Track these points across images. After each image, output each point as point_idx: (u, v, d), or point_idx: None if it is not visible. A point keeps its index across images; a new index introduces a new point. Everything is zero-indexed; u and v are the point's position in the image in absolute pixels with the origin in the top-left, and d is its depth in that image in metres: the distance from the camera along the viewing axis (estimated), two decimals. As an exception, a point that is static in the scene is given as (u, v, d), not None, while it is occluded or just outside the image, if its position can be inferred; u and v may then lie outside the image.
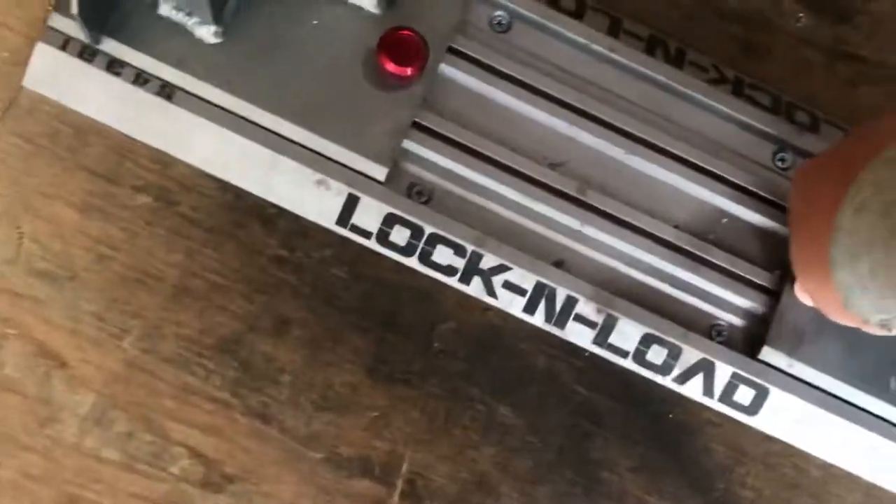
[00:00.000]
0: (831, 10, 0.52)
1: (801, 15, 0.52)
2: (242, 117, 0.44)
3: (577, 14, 0.49)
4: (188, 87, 0.44)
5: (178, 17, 0.44)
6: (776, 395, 0.46)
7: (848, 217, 0.36)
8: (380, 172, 0.45)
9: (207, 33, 0.44)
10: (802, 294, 0.45)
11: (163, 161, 0.45)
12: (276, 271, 0.45)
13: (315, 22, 0.45)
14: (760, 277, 0.47)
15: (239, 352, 0.44)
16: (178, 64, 0.44)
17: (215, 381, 0.44)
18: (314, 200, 0.45)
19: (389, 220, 0.45)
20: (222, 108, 0.44)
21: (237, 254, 0.45)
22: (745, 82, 0.50)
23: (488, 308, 0.46)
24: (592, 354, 0.46)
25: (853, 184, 0.36)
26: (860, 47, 0.52)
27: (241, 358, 0.44)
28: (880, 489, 0.47)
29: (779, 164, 0.49)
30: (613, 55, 0.48)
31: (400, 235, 0.45)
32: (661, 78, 0.48)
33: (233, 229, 0.45)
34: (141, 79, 0.44)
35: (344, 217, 0.45)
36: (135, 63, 0.44)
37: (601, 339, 0.46)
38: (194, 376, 0.44)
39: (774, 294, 0.47)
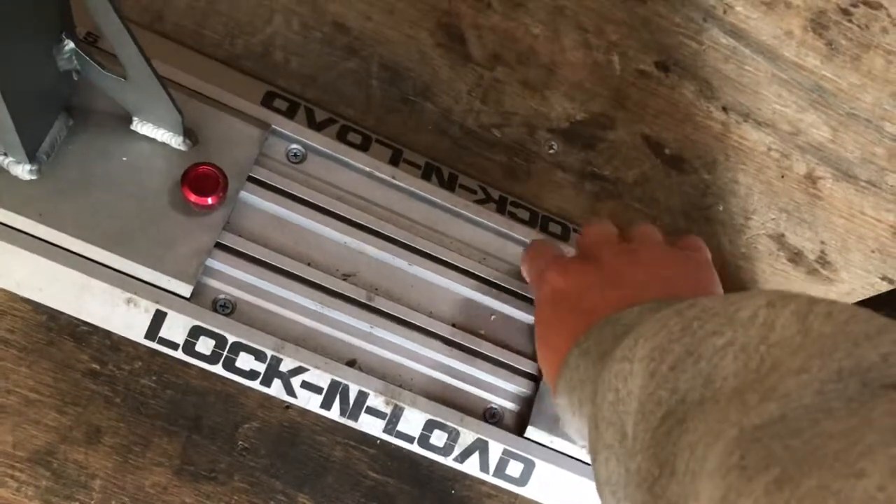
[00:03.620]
0: (578, 140, 0.63)
1: (553, 143, 0.62)
2: (55, 244, 0.49)
3: (364, 147, 0.57)
4: (2, 220, 0.49)
5: (-7, 156, 0.49)
6: (541, 467, 0.54)
7: (574, 356, 0.44)
8: (185, 289, 0.50)
9: (22, 171, 0.49)
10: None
11: (-22, 286, 0.49)
12: (89, 384, 0.49)
13: (124, 158, 0.51)
14: (525, 365, 0.56)
15: (52, 462, 0.47)
16: (-7, 198, 0.49)
17: (27, 492, 0.47)
18: (124, 317, 0.49)
19: (195, 332, 0.50)
20: (36, 237, 0.49)
21: (51, 370, 0.49)
22: (508, 200, 0.59)
23: (289, 406, 0.51)
24: (383, 442, 0.52)
25: (585, 330, 0.44)
26: (602, 168, 0.63)
27: (53, 468, 0.47)
28: (634, 542, 0.55)
29: (538, 268, 0.58)
30: (395, 181, 0.56)
31: (205, 345, 0.50)
32: (436, 199, 0.57)
33: (46, 347, 0.49)
34: (-44, 213, 0.48)
35: (152, 331, 0.50)
36: (-50, 198, 0.48)
37: (390, 428, 0.52)
38: (6, 488, 0.46)
39: (538, 379, 0.55)
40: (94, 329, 0.49)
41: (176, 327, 0.50)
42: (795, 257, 0.66)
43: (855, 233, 0.68)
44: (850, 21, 0.74)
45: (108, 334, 0.49)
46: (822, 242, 0.67)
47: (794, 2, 0.72)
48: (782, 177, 0.67)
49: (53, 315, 0.49)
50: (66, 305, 0.49)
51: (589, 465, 0.54)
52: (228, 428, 0.50)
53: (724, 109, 0.68)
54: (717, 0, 0.70)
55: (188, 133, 0.52)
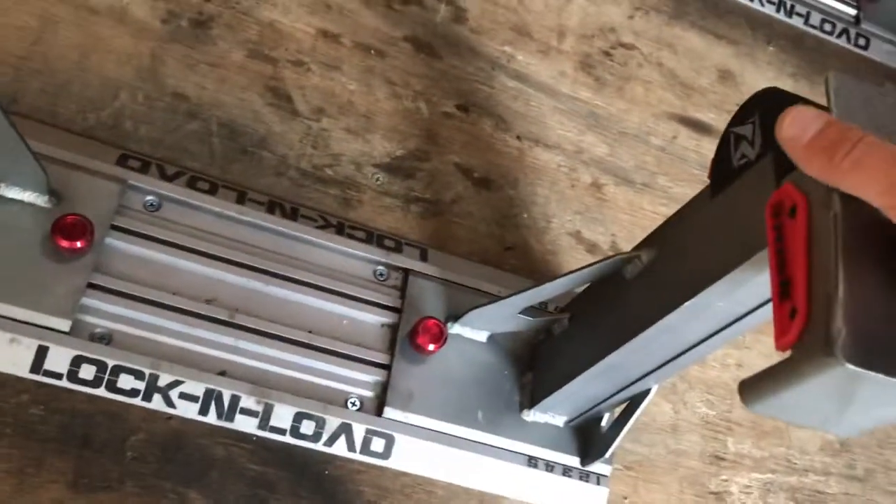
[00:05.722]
0: (400, 171, 0.74)
1: (378, 175, 0.73)
2: (-64, 299, 0.54)
3: (212, 191, 0.65)
4: None
5: None
6: (400, 440, 0.62)
7: None
8: (64, 325, 0.56)
9: None
10: None
11: None
12: (-21, 420, 0.54)
13: (-6, 219, 0.58)
14: (378, 358, 0.65)
15: (-51, 493, 0.52)
16: None
17: (-72, 523, 0.51)
18: (8, 356, 0.55)
19: (77, 361, 0.56)
20: (-83, 295, 0.54)
21: (-59, 412, 0.53)
22: (346, 224, 0.69)
23: (170, 417, 0.58)
24: (259, 437, 0.59)
25: None
26: (423, 192, 0.74)
27: (-49, 497, 0.51)
28: (489, 495, 0.64)
29: (379, 277, 0.68)
30: (243, 217, 0.65)
31: (87, 372, 0.56)
32: (282, 228, 0.66)
33: (-65, 392, 0.54)
34: None
35: (37, 365, 0.55)
36: None
37: (264, 424, 0.60)
38: None
39: (389, 368, 0.64)
40: (-20, 370, 0.54)
41: (58, 359, 0.56)
42: (592, 248, 0.79)
43: (638, 225, 0.82)
44: (611, 60, 0.91)
45: (-7, 373, 0.55)
46: (613, 235, 0.80)
47: (564, 48, 0.88)
48: (572, 186, 0.81)
49: (-61, 362, 0.54)
50: (-48, 352, 0.54)
51: (443, 433, 0.63)
52: (116, 442, 0.56)
53: (518, 138, 0.81)
54: (501, 52, 0.85)
55: (52, 192, 0.60)
